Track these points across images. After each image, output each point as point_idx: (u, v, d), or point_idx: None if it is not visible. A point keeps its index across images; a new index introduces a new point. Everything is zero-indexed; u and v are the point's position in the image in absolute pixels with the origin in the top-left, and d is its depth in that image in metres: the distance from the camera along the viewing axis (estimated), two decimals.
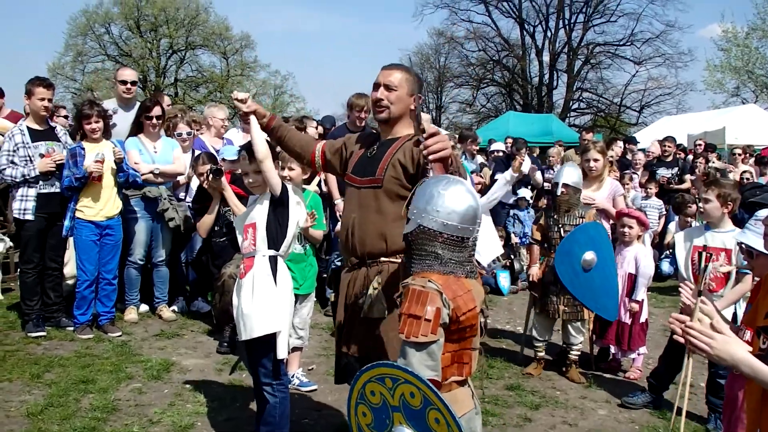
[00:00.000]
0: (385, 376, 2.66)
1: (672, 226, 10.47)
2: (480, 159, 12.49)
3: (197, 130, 8.33)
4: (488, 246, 7.22)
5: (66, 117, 10.11)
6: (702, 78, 40.66)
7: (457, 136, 13.00)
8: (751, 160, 13.31)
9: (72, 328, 7.08)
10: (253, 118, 4.13)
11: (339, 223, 6.54)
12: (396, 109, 3.83)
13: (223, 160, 6.93)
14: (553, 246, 6.24)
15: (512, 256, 10.38)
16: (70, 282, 7.54)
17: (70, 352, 6.50)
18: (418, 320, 2.76)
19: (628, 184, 10.24)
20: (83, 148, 6.77)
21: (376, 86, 3.90)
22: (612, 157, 10.57)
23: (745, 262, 5.07)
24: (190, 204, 7.80)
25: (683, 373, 3.02)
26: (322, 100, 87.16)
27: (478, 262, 6.49)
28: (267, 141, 4.20)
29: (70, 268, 7.52)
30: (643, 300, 6.46)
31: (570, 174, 6.31)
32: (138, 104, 7.85)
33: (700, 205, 5.62)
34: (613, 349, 6.65)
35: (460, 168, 3.51)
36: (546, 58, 45.67)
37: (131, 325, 7.44)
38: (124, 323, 7.46)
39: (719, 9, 72.08)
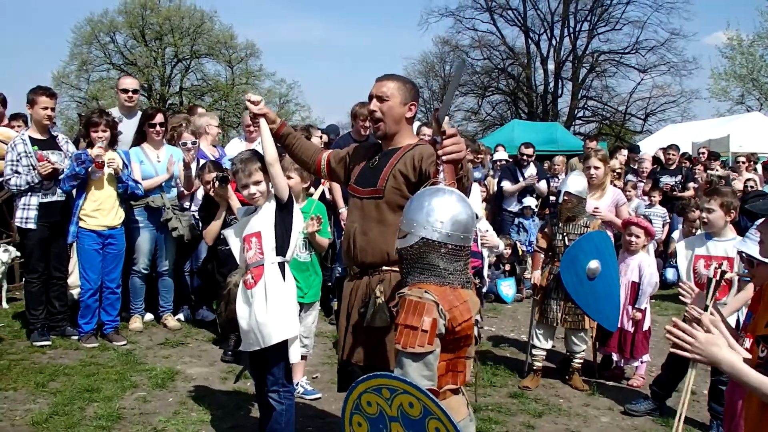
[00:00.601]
0: (383, 387, 2.66)
1: (676, 234, 10.46)
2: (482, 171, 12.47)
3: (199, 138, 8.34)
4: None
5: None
6: (707, 86, 40.69)
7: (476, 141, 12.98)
8: (760, 170, 13.23)
9: (77, 337, 7.10)
10: (263, 122, 4.18)
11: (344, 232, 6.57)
12: (390, 119, 3.87)
13: (227, 169, 6.95)
14: (557, 254, 6.26)
15: (518, 264, 10.39)
16: (75, 291, 7.57)
17: (74, 361, 6.52)
18: (414, 331, 2.78)
19: (630, 191, 10.22)
20: (88, 154, 6.80)
21: (370, 98, 3.95)
22: (619, 168, 10.59)
23: (737, 274, 5.10)
24: (195, 213, 7.83)
25: (686, 382, 3.03)
26: (328, 109, 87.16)
27: (480, 273, 6.53)
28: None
29: (74, 278, 7.55)
30: (645, 308, 6.47)
31: (574, 182, 6.33)
32: (140, 113, 7.89)
33: (703, 215, 5.61)
34: (615, 357, 6.65)
35: (469, 173, 3.55)
36: (551, 66, 45.69)
37: (136, 334, 7.46)
38: (129, 332, 7.48)
39: (724, 17, 72.13)
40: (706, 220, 5.57)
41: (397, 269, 3.75)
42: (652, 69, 43.45)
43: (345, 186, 4.32)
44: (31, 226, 6.90)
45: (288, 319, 4.25)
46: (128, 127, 7.72)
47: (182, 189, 7.86)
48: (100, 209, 6.95)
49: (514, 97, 48.25)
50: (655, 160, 13.27)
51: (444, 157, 3.29)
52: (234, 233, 4.49)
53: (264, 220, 4.28)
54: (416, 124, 8.87)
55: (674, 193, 11.88)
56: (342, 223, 7.54)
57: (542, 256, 6.61)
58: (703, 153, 14.76)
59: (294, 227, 4.35)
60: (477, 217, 4.22)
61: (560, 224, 6.37)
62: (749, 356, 2.76)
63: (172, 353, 6.93)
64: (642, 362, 6.54)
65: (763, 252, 3.06)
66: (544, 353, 6.43)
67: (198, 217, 7.73)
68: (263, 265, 4.26)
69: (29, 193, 6.88)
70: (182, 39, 43.78)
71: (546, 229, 6.57)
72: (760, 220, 3.08)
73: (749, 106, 35.72)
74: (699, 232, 8.33)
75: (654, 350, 6.83)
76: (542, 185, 11.19)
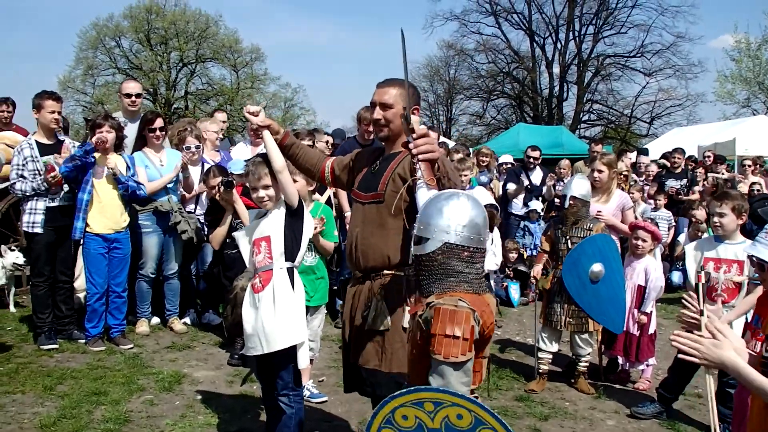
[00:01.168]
0: (425, 401, 2.62)
1: (682, 237, 10.45)
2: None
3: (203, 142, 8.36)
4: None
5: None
6: (713, 89, 40.48)
7: (468, 148, 12.98)
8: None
9: (84, 341, 7.12)
10: (267, 133, 4.18)
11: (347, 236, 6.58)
12: (395, 125, 3.90)
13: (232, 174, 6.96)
14: (561, 257, 6.26)
15: (523, 267, 10.38)
16: (81, 295, 7.60)
17: (82, 365, 6.55)
18: (455, 340, 2.78)
19: (633, 194, 10.20)
20: (90, 142, 6.84)
21: (373, 106, 3.97)
22: (625, 171, 10.57)
23: (746, 277, 5.09)
24: (201, 217, 7.86)
25: (708, 391, 3.01)
26: (333, 113, 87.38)
27: (487, 277, 6.54)
28: None
29: (80, 282, 7.57)
30: (651, 312, 6.47)
31: (578, 186, 6.33)
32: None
33: (715, 219, 5.59)
34: (621, 361, 6.65)
35: (449, 173, 3.56)
36: (556, 69, 45.61)
37: (143, 338, 7.49)
38: (136, 336, 7.50)
39: (730, 20, 72.00)
40: (719, 224, 5.54)
41: (398, 273, 3.80)
42: (657, 72, 43.43)
43: (349, 191, 4.35)
44: (38, 230, 6.92)
45: (295, 324, 4.25)
46: (132, 131, 7.74)
47: (182, 192, 7.89)
48: (106, 212, 6.97)
49: (519, 101, 48.20)
50: (660, 165, 13.27)
51: (419, 156, 3.33)
52: (244, 235, 4.50)
53: (274, 224, 4.29)
54: (422, 127, 8.83)
55: (680, 196, 11.87)
56: (347, 226, 7.56)
57: (545, 257, 6.63)
58: (709, 156, 14.75)
59: (304, 233, 4.37)
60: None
61: (563, 227, 6.37)
62: (754, 353, 2.78)
63: (178, 357, 6.95)
64: (648, 365, 6.53)
65: None
66: (550, 356, 6.43)
67: (204, 221, 7.75)
68: (272, 269, 4.26)
69: (36, 198, 6.90)
70: (187, 43, 43.85)
71: (549, 232, 6.58)
72: None
73: (755, 110, 35.74)
74: (705, 235, 8.34)
75: (660, 353, 6.83)
76: (550, 189, 11.17)
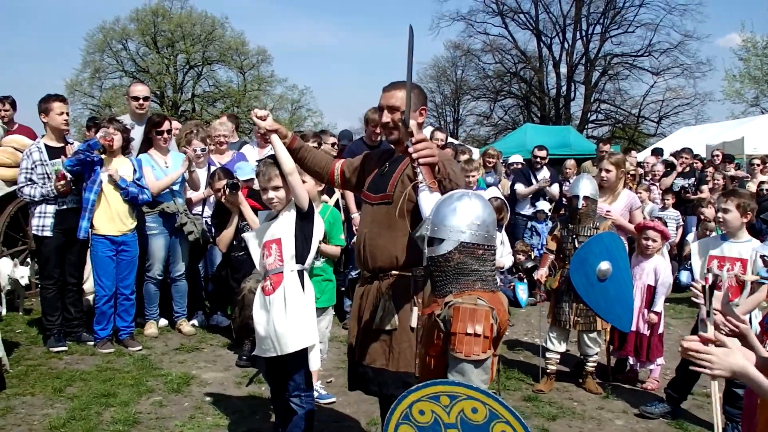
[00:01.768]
0: (441, 395, 2.65)
1: (690, 237, 10.42)
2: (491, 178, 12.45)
3: (210, 145, 8.36)
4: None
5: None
6: (721, 88, 40.43)
7: (472, 148, 12.99)
8: None
9: (93, 343, 7.15)
10: (275, 138, 4.18)
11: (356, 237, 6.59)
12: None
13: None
14: (568, 257, 6.25)
15: (531, 267, 10.37)
16: (90, 297, 7.63)
17: (91, 367, 6.57)
18: (476, 338, 2.83)
19: (641, 193, 10.18)
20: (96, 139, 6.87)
21: (381, 109, 3.99)
22: (633, 170, 10.55)
23: (761, 272, 5.07)
24: (208, 219, 7.87)
25: (713, 394, 3.00)
26: (340, 114, 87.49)
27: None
28: None
29: (89, 284, 7.60)
30: (661, 311, 6.46)
31: (587, 186, 6.31)
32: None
33: (719, 215, 5.60)
34: (631, 361, 6.64)
35: (450, 175, 3.58)
36: (563, 69, 45.60)
37: (151, 340, 7.51)
38: (144, 337, 7.53)
39: (738, 18, 71.74)
40: (721, 219, 5.55)
41: (406, 273, 3.82)
42: (665, 71, 43.34)
43: (358, 193, 4.37)
44: (48, 233, 6.94)
45: (306, 327, 4.26)
46: (140, 134, 7.78)
47: (188, 195, 7.91)
48: (112, 214, 6.99)
49: (527, 101, 48.17)
50: (668, 164, 13.24)
51: (419, 160, 3.36)
52: (254, 236, 4.51)
53: (284, 227, 4.29)
54: (429, 129, 8.86)
55: (687, 195, 11.84)
56: (354, 228, 7.59)
57: (551, 257, 6.62)
58: (718, 156, 14.71)
59: (314, 236, 4.38)
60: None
61: (570, 226, 6.37)
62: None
63: (187, 358, 6.97)
64: (657, 365, 6.52)
65: None
66: (558, 356, 6.42)
67: (211, 223, 7.76)
68: (282, 272, 4.28)
69: (45, 201, 6.92)
70: (194, 46, 43.95)
71: (556, 232, 6.57)
72: None
73: (764, 108, 35.58)
74: (713, 234, 8.32)
75: (668, 353, 6.82)
76: (554, 189, 11.16)
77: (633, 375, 6.70)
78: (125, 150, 7.22)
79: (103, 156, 6.93)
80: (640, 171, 12.16)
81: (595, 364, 6.43)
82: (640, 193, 10.17)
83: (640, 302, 6.39)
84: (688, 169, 12.48)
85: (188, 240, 7.64)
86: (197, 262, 8.32)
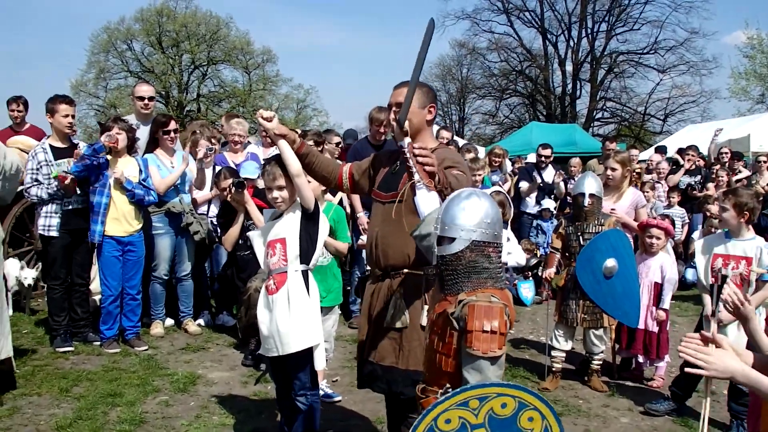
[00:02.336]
0: (470, 399, 2.66)
1: (696, 234, 10.42)
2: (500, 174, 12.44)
3: (215, 145, 8.37)
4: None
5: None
6: (727, 85, 40.33)
7: (478, 147, 12.98)
8: None
9: (99, 343, 7.16)
10: (282, 141, 4.17)
11: (362, 236, 6.61)
12: (412, 125, 3.89)
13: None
14: (574, 254, 6.26)
15: (537, 266, 10.37)
16: (96, 298, 7.65)
17: (97, 367, 6.59)
18: (492, 335, 2.86)
19: (648, 192, 10.16)
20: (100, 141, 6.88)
21: (389, 107, 4.00)
22: (639, 169, 10.53)
23: (764, 270, 5.08)
24: (213, 219, 7.88)
25: (704, 385, 3.02)
26: (345, 114, 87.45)
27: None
28: None
29: (95, 285, 7.61)
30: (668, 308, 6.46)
31: (592, 184, 6.31)
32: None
33: (719, 213, 5.63)
34: (640, 359, 6.63)
35: (452, 184, 3.58)
36: (569, 67, 45.47)
37: (157, 339, 7.53)
38: (150, 337, 7.54)
39: (744, 16, 71.43)
40: (719, 217, 5.59)
41: (418, 271, 3.84)
42: (671, 69, 43.19)
43: (369, 193, 4.37)
44: (54, 233, 6.95)
45: (309, 327, 4.27)
46: (145, 134, 7.78)
47: (193, 195, 7.92)
48: (119, 215, 7.00)
49: (532, 100, 48.12)
50: (673, 162, 13.22)
51: (420, 165, 3.38)
52: (259, 235, 4.51)
53: (289, 227, 4.30)
54: (435, 127, 8.84)
55: (693, 192, 11.82)
56: (360, 227, 7.61)
57: (557, 256, 6.62)
58: (726, 153, 14.67)
59: (319, 236, 4.38)
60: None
61: (576, 224, 6.37)
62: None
63: (193, 358, 6.98)
64: (662, 362, 6.52)
65: None
66: (564, 355, 6.42)
67: (216, 223, 7.77)
68: (286, 272, 4.28)
69: (51, 201, 6.93)
70: (199, 46, 43.95)
71: (561, 230, 6.57)
72: None
73: None
74: (718, 231, 8.31)
75: (673, 351, 6.79)
76: (561, 186, 11.14)
77: (638, 373, 6.70)
78: (131, 149, 7.24)
79: (108, 157, 6.93)
80: (644, 167, 12.13)
81: (601, 362, 6.43)
82: (647, 192, 10.15)
83: (647, 300, 6.39)
84: (694, 166, 12.46)
85: (194, 240, 7.67)
86: (203, 261, 8.33)
